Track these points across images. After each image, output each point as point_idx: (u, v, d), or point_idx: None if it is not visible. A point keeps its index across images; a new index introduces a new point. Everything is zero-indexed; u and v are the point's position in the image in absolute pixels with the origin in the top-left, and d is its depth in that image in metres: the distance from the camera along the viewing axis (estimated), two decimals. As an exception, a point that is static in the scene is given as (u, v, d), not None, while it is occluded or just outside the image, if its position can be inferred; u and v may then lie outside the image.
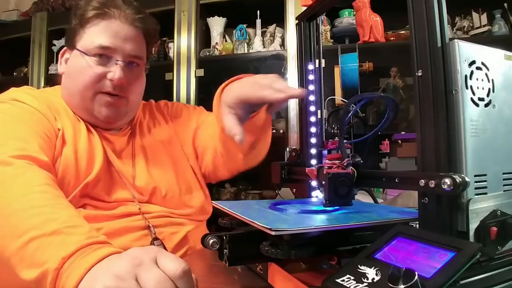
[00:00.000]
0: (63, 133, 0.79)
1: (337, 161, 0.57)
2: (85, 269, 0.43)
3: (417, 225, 0.45)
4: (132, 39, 0.84)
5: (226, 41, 2.15)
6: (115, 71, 0.80)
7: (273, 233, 0.41)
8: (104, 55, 0.81)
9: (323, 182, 0.56)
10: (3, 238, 0.52)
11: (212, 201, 0.68)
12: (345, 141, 0.64)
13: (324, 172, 0.55)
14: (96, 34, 0.82)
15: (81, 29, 0.83)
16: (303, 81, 0.76)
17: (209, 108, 0.85)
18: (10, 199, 0.55)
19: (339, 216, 0.51)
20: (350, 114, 0.65)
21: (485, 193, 0.41)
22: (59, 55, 0.90)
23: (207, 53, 2.11)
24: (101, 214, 0.77)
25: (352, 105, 0.64)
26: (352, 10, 1.94)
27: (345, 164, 0.56)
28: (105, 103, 0.82)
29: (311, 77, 0.76)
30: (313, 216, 0.52)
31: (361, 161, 0.58)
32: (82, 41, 0.83)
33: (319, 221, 0.47)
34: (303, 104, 0.75)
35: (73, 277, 0.43)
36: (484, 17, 1.83)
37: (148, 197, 0.85)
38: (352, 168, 0.56)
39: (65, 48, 0.89)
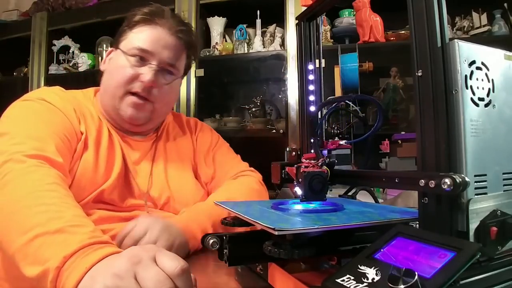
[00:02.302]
0: (86, 137, 0.80)
1: (313, 161, 0.62)
2: (86, 269, 0.43)
3: (417, 225, 0.45)
4: (172, 48, 0.88)
5: (226, 41, 2.15)
6: (147, 73, 0.84)
7: (276, 233, 0.41)
8: (141, 57, 0.85)
9: (300, 180, 0.61)
10: (9, 234, 0.52)
11: (215, 201, 0.68)
12: (344, 141, 0.65)
13: (301, 171, 0.61)
14: (138, 37, 0.86)
15: (128, 31, 0.89)
16: (303, 81, 0.76)
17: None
18: (19, 196, 0.56)
19: (341, 215, 0.51)
20: (323, 117, 0.72)
21: (485, 193, 0.41)
22: (106, 54, 0.94)
23: (207, 53, 2.10)
24: (114, 216, 0.79)
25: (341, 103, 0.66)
26: (352, 10, 1.94)
27: (319, 163, 0.62)
28: (131, 103, 0.85)
29: (311, 77, 0.75)
30: (315, 215, 0.52)
31: (336, 161, 0.64)
32: (125, 42, 0.88)
33: (321, 221, 0.47)
34: (303, 104, 0.75)
35: (73, 276, 0.43)
36: (484, 17, 1.83)
37: (161, 206, 0.87)
38: (326, 168, 0.62)
39: (112, 48, 0.94)
